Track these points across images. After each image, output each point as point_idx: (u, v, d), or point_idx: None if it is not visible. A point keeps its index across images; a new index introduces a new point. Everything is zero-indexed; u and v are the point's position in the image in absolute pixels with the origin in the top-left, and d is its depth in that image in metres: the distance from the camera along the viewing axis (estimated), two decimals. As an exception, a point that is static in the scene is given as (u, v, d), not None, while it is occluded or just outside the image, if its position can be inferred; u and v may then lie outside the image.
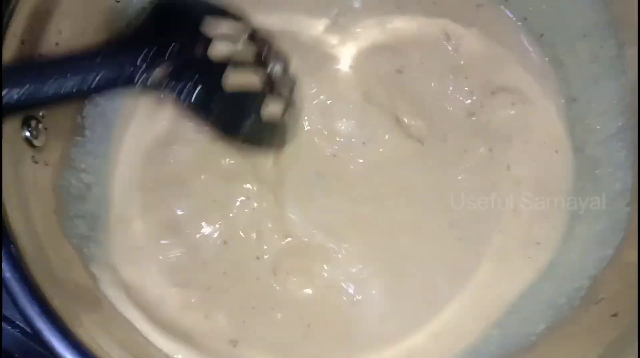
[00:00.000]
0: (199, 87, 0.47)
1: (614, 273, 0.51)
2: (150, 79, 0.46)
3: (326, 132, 0.58)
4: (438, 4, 0.60)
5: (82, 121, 0.57)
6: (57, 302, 0.40)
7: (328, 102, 0.59)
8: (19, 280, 0.39)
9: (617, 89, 0.55)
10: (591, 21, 0.57)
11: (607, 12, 0.55)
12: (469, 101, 0.59)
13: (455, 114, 0.59)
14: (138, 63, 0.45)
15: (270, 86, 0.54)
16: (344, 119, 0.58)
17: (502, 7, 0.61)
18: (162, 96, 0.47)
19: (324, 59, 0.59)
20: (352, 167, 0.58)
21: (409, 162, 0.58)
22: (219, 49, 0.51)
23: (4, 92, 0.40)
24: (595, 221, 0.55)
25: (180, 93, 0.47)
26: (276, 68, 0.55)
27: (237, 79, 0.51)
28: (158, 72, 0.46)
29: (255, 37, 0.55)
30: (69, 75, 0.43)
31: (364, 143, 0.58)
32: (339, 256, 0.55)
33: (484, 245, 0.56)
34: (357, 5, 0.61)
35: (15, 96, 0.40)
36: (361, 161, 0.58)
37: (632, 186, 0.54)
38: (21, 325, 0.56)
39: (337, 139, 0.58)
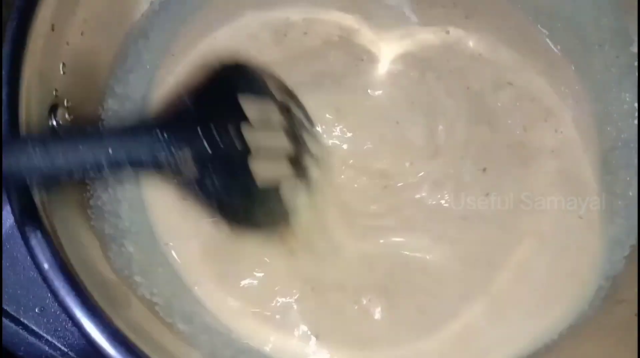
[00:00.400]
0: (226, 180, 0.43)
1: (633, 273, 0.52)
2: (179, 165, 0.40)
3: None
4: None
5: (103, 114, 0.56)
6: (95, 295, 0.39)
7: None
8: (58, 271, 0.38)
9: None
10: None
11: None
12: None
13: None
14: (168, 145, 0.39)
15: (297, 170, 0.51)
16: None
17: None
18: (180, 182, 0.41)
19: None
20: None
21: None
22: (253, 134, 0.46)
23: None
24: (611, 221, 0.56)
25: (205, 184, 0.42)
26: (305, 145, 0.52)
27: (266, 171, 0.47)
28: (188, 158, 0.40)
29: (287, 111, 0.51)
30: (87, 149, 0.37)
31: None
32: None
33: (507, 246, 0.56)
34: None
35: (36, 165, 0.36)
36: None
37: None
38: (22, 320, 0.55)
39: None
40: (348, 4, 0.61)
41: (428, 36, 0.61)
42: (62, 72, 0.49)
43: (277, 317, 0.53)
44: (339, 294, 0.53)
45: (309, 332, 0.52)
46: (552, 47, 0.62)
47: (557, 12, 0.61)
